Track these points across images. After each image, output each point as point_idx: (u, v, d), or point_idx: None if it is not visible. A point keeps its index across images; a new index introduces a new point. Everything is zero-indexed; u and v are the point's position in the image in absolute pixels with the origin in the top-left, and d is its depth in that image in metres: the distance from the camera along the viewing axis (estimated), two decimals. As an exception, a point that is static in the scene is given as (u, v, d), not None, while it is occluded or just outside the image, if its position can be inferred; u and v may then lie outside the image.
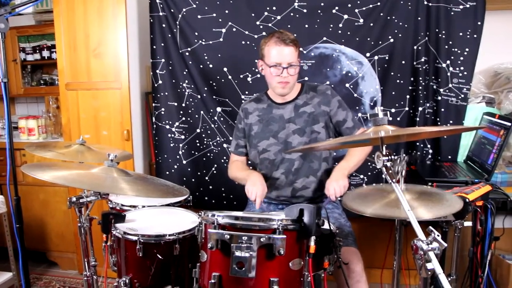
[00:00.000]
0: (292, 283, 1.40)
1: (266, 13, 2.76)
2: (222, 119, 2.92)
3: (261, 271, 1.34)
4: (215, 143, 2.96)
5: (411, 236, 1.17)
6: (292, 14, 2.74)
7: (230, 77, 2.86)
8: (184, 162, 3.03)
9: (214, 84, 2.89)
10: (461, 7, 2.55)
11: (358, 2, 2.66)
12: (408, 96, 2.71)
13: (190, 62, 2.88)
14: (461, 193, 1.73)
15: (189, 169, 3.03)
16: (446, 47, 2.61)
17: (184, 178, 3.04)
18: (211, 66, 2.86)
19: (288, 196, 2.14)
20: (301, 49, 2.67)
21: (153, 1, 2.85)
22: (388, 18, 2.64)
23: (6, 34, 1.96)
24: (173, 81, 2.94)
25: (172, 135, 3.00)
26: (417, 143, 2.72)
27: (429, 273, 1.11)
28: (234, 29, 2.80)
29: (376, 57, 2.69)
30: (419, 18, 2.61)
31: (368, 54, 2.70)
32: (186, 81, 2.92)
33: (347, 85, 2.74)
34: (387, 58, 2.68)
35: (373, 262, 2.62)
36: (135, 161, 2.96)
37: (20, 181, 2.53)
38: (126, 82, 2.83)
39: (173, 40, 2.88)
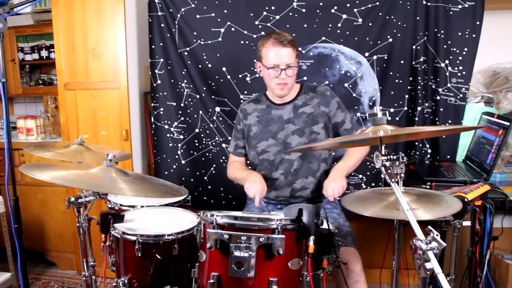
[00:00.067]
0: (291, 283, 1.40)
1: (265, 13, 2.76)
2: (221, 119, 2.91)
3: (260, 271, 1.34)
4: (214, 143, 2.96)
5: (410, 235, 1.17)
6: (291, 13, 2.74)
7: (229, 77, 2.86)
8: (183, 162, 3.02)
9: (213, 84, 2.89)
10: (459, 6, 2.56)
11: (357, 1, 2.66)
12: (407, 96, 2.71)
13: (189, 62, 2.87)
14: (460, 192, 1.73)
15: (188, 169, 3.03)
16: (445, 47, 2.61)
17: (183, 178, 3.03)
18: (210, 65, 2.86)
19: (287, 197, 2.14)
20: (300, 48, 2.69)
21: (152, 1, 2.84)
22: (387, 17, 2.64)
23: (4, 33, 1.96)
24: (172, 81, 2.93)
25: (171, 135, 3.00)
26: (416, 143, 2.72)
27: (428, 272, 1.11)
28: (233, 29, 2.80)
29: (375, 57, 2.69)
30: (418, 18, 2.61)
31: (367, 54, 2.69)
32: (185, 81, 2.91)
33: (346, 84, 2.74)
34: (386, 58, 2.68)
35: (372, 262, 2.62)
36: (133, 161, 2.95)
37: (18, 181, 2.52)
38: (125, 82, 2.82)
39: (171, 40, 2.88)
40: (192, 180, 3.04)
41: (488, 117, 2.48)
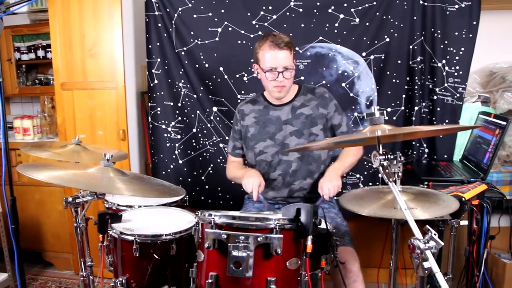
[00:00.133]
0: (289, 282, 1.41)
1: (262, 13, 2.76)
2: (218, 118, 2.91)
3: (258, 271, 1.34)
4: (211, 143, 2.95)
5: (408, 235, 1.17)
6: (288, 13, 2.74)
7: (226, 76, 2.86)
8: (180, 162, 3.02)
9: (210, 83, 2.88)
10: (456, 6, 2.56)
11: (354, 1, 2.66)
12: (404, 96, 2.72)
13: (186, 62, 2.87)
14: (457, 192, 1.73)
15: (185, 169, 3.03)
16: (442, 46, 2.62)
17: (180, 178, 3.03)
18: (207, 65, 2.86)
19: (284, 197, 2.14)
20: (297, 48, 2.69)
21: (149, 0, 2.84)
22: (384, 17, 2.65)
23: (0, 33, 1.95)
24: (169, 80, 2.93)
25: (168, 135, 3.00)
26: (413, 143, 2.73)
27: (426, 272, 1.12)
28: (230, 29, 2.79)
29: (372, 57, 2.69)
30: (415, 18, 2.62)
31: (364, 54, 2.70)
32: (182, 81, 2.91)
33: (343, 84, 2.74)
34: (383, 57, 2.69)
35: (370, 262, 2.63)
36: (131, 161, 2.95)
37: (15, 181, 2.52)
38: (122, 82, 2.82)
39: (169, 40, 2.87)
40: (189, 180, 3.03)
41: (485, 117, 2.49)
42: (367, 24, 2.67)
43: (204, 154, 2.99)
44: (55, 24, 2.86)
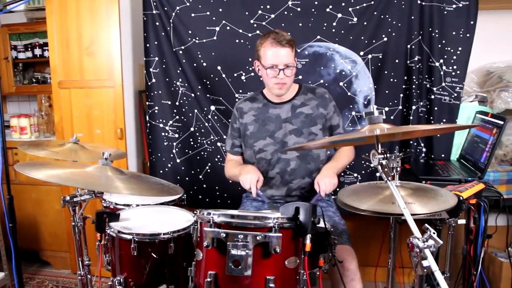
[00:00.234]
0: (288, 281, 1.41)
1: (260, 12, 2.75)
2: (216, 117, 2.91)
3: (257, 270, 1.34)
4: (209, 142, 2.95)
5: (406, 234, 1.17)
6: (286, 12, 2.74)
7: (224, 75, 2.85)
8: (178, 160, 3.02)
9: (208, 82, 2.88)
10: (454, 6, 2.57)
11: (352, 0, 2.66)
12: (401, 95, 2.72)
13: (184, 61, 2.86)
14: (454, 191, 1.74)
15: (183, 168, 3.02)
16: (439, 46, 2.62)
17: (178, 177, 3.03)
18: (204, 64, 2.85)
19: (282, 195, 2.14)
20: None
21: (147, -1, 2.84)
22: (382, 17, 2.65)
23: (-3, 31, 1.95)
24: (167, 79, 2.92)
25: (166, 134, 2.99)
26: (411, 142, 2.74)
27: (425, 270, 1.12)
28: (228, 28, 2.79)
29: (369, 56, 2.70)
30: (412, 17, 2.62)
31: (361, 53, 2.70)
32: (180, 80, 2.90)
33: (341, 83, 2.75)
34: (380, 57, 2.69)
35: (368, 260, 2.64)
36: (128, 159, 2.94)
37: (12, 180, 2.50)
38: (120, 81, 2.81)
39: (166, 38, 2.86)
40: (187, 178, 3.03)
41: (482, 116, 2.50)
42: (365, 23, 2.67)
43: (202, 153, 2.99)
44: (52, 23, 2.85)
